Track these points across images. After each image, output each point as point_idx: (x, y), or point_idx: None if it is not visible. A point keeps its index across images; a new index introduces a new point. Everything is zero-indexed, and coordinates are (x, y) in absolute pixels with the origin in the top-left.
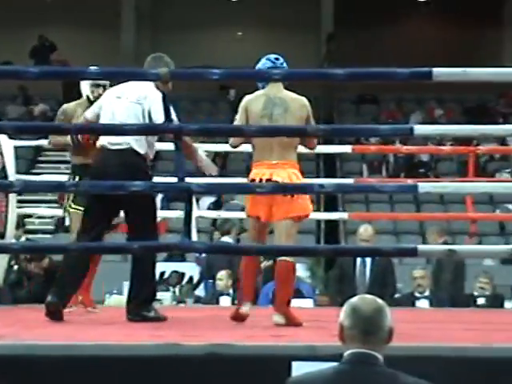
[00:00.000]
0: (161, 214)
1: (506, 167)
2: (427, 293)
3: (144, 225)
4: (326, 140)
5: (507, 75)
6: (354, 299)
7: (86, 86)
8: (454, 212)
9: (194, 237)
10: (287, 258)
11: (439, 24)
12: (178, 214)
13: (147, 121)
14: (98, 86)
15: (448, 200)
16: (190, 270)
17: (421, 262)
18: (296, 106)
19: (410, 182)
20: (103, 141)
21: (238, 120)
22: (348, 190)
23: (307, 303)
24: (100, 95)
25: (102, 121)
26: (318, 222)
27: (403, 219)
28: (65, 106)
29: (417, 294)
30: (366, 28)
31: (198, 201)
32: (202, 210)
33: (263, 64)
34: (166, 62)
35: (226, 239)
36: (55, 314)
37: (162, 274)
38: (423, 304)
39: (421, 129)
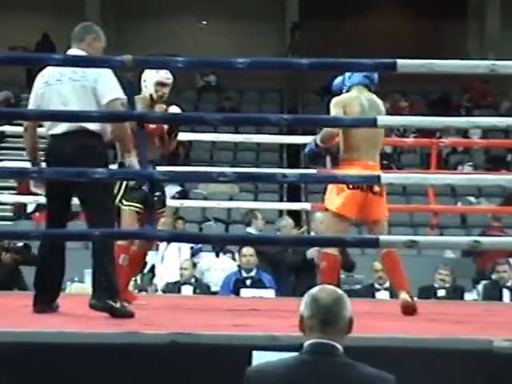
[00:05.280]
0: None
1: (468, 160)
2: (387, 284)
3: (99, 212)
4: (289, 130)
5: (471, 68)
6: (315, 289)
7: (150, 84)
8: (416, 204)
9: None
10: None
11: (404, 15)
12: None
13: (93, 99)
14: (164, 85)
15: (410, 192)
16: (152, 258)
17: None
18: (383, 110)
19: None
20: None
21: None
22: (310, 180)
23: (269, 293)
24: (164, 94)
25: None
26: (281, 212)
27: None
28: None
29: (377, 286)
30: (332, 18)
31: None
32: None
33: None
34: (95, 30)
35: (250, 230)
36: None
37: None
38: (383, 295)
39: (384, 120)
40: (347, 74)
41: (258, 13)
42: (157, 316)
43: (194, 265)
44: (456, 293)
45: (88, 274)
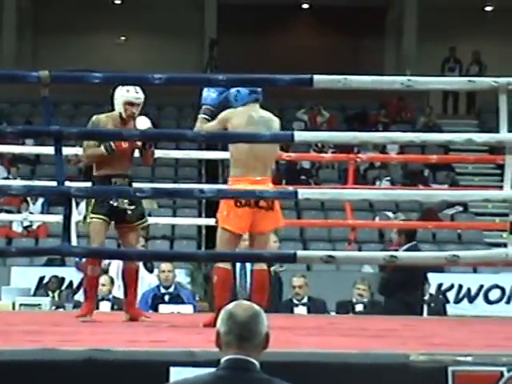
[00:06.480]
0: (41, 218)
1: (385, 175)
2: (305, 300)
3: None
4: (208, 145)
5: (387, 83)
6: (231, 305)
7: (120, 103)
8: (334, 219)
9: (74, 241)
10: (264, 267)
11: (323, 32)
12: (58, 218)
13: None
14: (133, 104)
15: (328, 207)
16: (70, 274)
17: (301, 269)
18: (276, 127)
19: (290, 188)
20: None
21: (215, 129)
22: (228, 195)
23: (187, 309)
24: (133, 114)
25: None
26: (199, 227)
27: (284, 226)
28: (95, 117)
29: (295, 301)
30: (250, 34)
31: (77, 205)
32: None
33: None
34: None
35: None
36: None
37: (42, 278)
38: (301, 311)
39: (302, 135)
40: (233, 93)
41: (177, 29)
42: (74, 332)
43: (112, 280)
44: (374, 308)
45: (5, 291)
